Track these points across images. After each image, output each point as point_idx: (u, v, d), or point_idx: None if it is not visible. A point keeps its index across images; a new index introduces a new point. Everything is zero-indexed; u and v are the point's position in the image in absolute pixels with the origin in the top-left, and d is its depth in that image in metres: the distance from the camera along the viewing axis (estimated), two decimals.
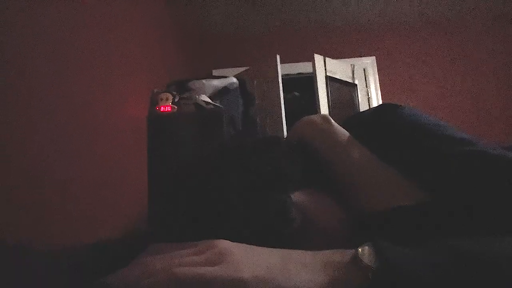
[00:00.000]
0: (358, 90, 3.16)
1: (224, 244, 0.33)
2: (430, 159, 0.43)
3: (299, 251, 0.33)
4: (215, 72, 3.22)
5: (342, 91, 3.00)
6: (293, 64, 3.26)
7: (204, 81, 1.90)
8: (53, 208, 1.01)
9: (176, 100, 1.81)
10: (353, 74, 3.16)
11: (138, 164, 1.68)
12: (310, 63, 2.89)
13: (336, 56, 3.11)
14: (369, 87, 3.27)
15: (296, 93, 3.55)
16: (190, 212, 0.40)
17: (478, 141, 0.42)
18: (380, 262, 0.28)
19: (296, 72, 3.31)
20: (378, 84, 3.33)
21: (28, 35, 0.97)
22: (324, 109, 2.77)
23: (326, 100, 2.81)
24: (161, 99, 1.79)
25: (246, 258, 0.31)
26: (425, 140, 0.45)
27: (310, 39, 3.44)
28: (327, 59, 2.93)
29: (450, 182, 0.41)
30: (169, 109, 1.78)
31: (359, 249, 0.30)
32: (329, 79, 2.88)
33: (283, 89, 2.69)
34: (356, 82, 3.17)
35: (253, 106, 2.40)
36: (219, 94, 1.93)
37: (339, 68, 3.04)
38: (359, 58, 3.38)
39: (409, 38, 3.43)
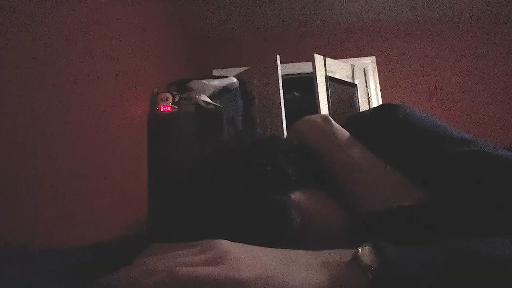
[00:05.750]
0: (358, 90, 3.16)
1: (224, 244, 0.32)
2: (430, 159, 0.43)
3: (299, 251, 0.33)
4: (215, 72, 3.22)
5: (342, 91, 2.99)
6: (293, 64, 3.26)
7: (204, 81, 1.90)
8: (52, 208, 1.01)
9: (176, 100, 1.81)
10: (353, 74, 3.16)
11: (138, 164, 1.68)
12: (310, 63, 2.88)
13: (336, 56, 3.11)
14: (369, 87, 3.27)
15: (296, 93, 3.55)
16: (190, 212, 0.40)
17: (478, 141, 0.42)
18: (381, 262, 0.28)
19: (296, 72, 3.31)
20: (378, 84, 3.33)
21: (29, 34, 0.97)
22: (324, 109, 2.77)
23: (326, 100, 2.81)
24: (161, 99, 1.79)
25: (246, 258, 0.31)
26: (425, 140, 0.45)
27: (310, 39, 3.44)
28: (327, 59, 2.93)
29: (450, 182, 0.41)
30: (169, 109, 1.78)
31: (359, 249, 0.30)
32: (329, 79, 2.87)
33: (283, 89, 2.69)
34: (356, 82, 3.17)
35: (253, 106, 2.41)
36: (219, 94, 1.93)
37: (339, 68, 3.04)
38: (359, 58, 3.38)
39: (409, 38, 3.43)
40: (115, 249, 0.40)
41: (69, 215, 1.08)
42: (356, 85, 3.15)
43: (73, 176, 1.13)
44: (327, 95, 2.83)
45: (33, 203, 0.94)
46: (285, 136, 0.57)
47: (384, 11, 3.22)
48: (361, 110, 3.00)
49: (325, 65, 2.90)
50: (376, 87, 3.31)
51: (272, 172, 0.42)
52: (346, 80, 3.07)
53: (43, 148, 1.00)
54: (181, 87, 1.91)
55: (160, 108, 1.78)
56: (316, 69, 2.83)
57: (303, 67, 3.24)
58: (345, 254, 0.31)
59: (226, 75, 2.12)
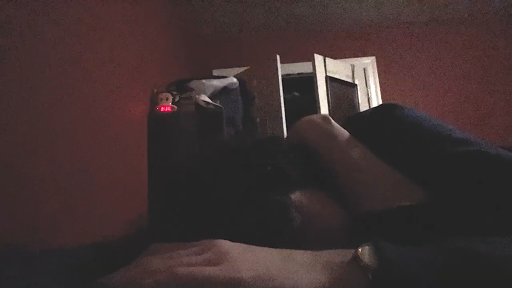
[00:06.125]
0: (358, 90, 3.16)
1: (224, 244, 0.33)
2: (430, 159, 0.43)
3: (299, 251, 0.33)
4: (215, 72, 3.22)
5: (342, 91, 3.00)
6: (293, 64, 3.26)
7: (204, 81, 1.90)
8: (53, 208, 1.01)
9: (176, 100, 1.81)
10: (353, 74, 3.16)
11: (138, 164, 1.68)
12: (310, 63, 2.88)
13: (336, 56, 3.11)
14: (369, 87, 3.27)
15: (296, 93, 3.55)
16: (190, 212, 0.40)
17: (478, 141, 0.42)
18: (381, 262, 0.28)
19: (296, 72, 3.31)
20: (378, 84, 3.33)
21: (29, 34, 0.97)
22: (324, 109, 2.77)
23: (326, 100, 2.81)
24: (161, 99, 1.79)
25: (246, 258, 0.31)
26: (425, 140, 0.45)
27: (310, 39, 3.44)
28: (327, 59, 2.93)
29: (450, 182, 0.41)
30: (169, 109, 1.78)
31: (359, 249, 0.30)
32: (329, 79, 2.88)
33: (283, 89, 2.69)
34: (356, 82, 3.17)
35: (253, 106, 2.41)
36: (219, 94, 1.93)
37: (339, 68, 3.04)
38: (359, 58, 3.38)
39: (409, 38, 3.43)
40: (115, 249, 0.40)
41: (69, 213, 1.09)
42: (356, 85, 3.15)
43: (73, 175, 1.13)
44: (327, 95, 2.83)
45: (34, 200, 0.94)
46: (285, 136, 0.57)
47: (384, 12, 3.22)
48: (361, 110, 3.00)
49: (325, 65, 2.90)
50: (376, 87, 3.31)
51: (272, 172, 0.42)
52: (346, 80, 3.07)
53: (44, 147, 1.00)
54: (181, 87, 1.91)
55: (160, 108, 1.78)
56: (316, 69, 2.83)
57: (303, 67, 3.24)
58: (345, 254, 0.31)
59: (226, 75, 2.12)
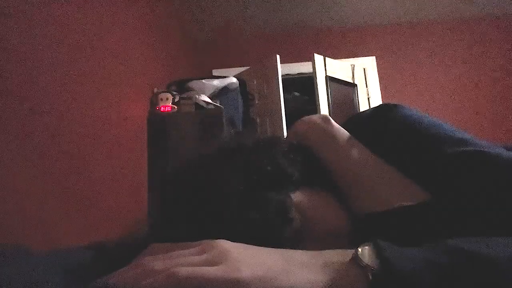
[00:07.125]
0: (358, 90, 3.15)
1: (224, 244, 0.32)
2: (429, 159, 0.43)
3: (299, 251, 0.33)
4: (215, 72, 3.22)
5: (342, 91, 2.99)
6: (293, 64, 3.26)
7: (204, 81, 1.90)
8: (52, 208, 1.01)
9: (176, 100, 1.81)
10: (353, 74, 3.16)
11: (138, 164, 1.68)
12: (310, 63, 2.88)
13: (336, 56, 3.11)
14: (369, 87, 3.27)
15: (296, 93, 3.55)
16: (190, 212, 0.40)
17: (478, 141, 0.42)
18: (380, 262, 0.28)
19: (296, 72, 3.31)
20: (378, 84, 3.33)
21: (28, 36, 0.97)
22: (324, 109, 2.77)
23: (326, 100, 2.81)
24: (161, 99, 1.79)
25: (246, 258, 0.31)
26: (424, 139, 0.45)
27: (310, 39, 3.44)
28: (327, 59, 2.93)
29: (450, 182, 0.41)
30: (169, 109, 1.78)
31: (359, 249, 0.30)
32: (329, 79, 2.87)
33: (283, 89, 2.69)
34: (356, 82, 3.17)
35: (253, 106, 2.41)
36: (219, 94, 1.93)
37: (339, 68, 3.03)
38: (359, 58, 3.37)
39: (409, 38, 3.43)
40: (115, 249, 0.40)
41: (69, 213, 1.08)
42: (356, 85, 3.15)
43: (73, 175, 1.13)
44: (327, 95, 2.83)
45: (33, 203, 0.94)
46: (285, 136, 0.57)
47: (384, 12, 3.22)
48: (361, 110, 2.99)
49: (325, 65, 2.90)
50: (376, 87, 3.31)
51: (272, 172, 0.42)
52: (346, 80, 3.07)
53: (44, 147, 1.00)
54: (181, 87, 1.91)
55: (160, 108, 1.78)
56: (316, 69, 2.83)
57: (303, 67, 3.24)
58: (345, 254, 0.31)
59: (226, 75, 2.12)
